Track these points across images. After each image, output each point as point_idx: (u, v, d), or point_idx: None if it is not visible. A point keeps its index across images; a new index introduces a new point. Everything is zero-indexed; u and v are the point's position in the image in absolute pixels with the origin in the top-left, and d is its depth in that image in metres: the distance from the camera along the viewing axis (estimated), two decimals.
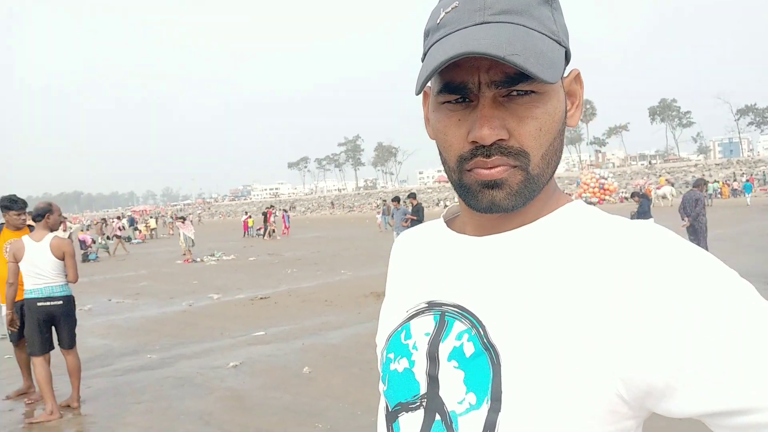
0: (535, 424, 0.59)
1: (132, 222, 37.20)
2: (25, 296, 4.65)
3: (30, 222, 5.27)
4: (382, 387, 0.76)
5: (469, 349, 0.64)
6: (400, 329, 0.74)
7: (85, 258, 20.07)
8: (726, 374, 0.53)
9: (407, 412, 0.69)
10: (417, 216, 12.25)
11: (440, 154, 0.69)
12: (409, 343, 0.71)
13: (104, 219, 34.40)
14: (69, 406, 4.83)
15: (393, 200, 14.25)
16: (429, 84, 0.68)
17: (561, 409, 0.58)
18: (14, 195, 5.19)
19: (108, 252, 22.73)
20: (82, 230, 26.84)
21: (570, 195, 0.82)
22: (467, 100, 0.63)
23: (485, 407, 0.62)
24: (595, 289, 0.59)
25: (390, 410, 0.72)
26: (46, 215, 4.71)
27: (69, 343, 4.83)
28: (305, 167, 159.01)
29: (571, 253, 0.64)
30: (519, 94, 0.61)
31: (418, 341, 0.70)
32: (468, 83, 0.61)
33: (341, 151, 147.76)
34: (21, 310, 4.76)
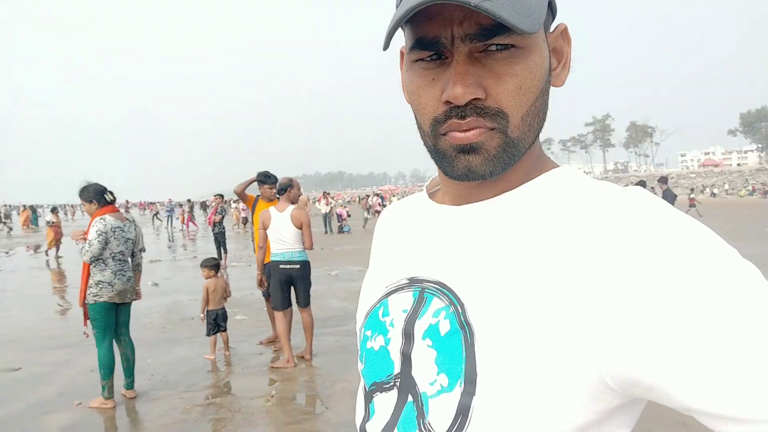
0: (512, 409, 0.55)
1: (382, 199, 40.39)
2: (271, 259, 5.43)
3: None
4: (360, 366, 0.73)
5: (444, 327, 0.61)
6: (378, 305, 0.71)
7: (340, 230, 22.34)
8: (721, 377, 0.47)
9: (381, 392, 0.67)
10: None
11: (415, 117, 0.64)
12: (386, 321, 0.68)
13: (367, 196, 37.95)
14: (303, 357, 5.51)
15: (637, 184, 12.96)
16: (404, 46, 0.65)
17: (540, 394, 0.54)
18: (267, 171, 6.06)
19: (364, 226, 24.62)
20: (342, 206, 29.95)
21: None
22: (442, 57, 0.58)
23: (458, 390, 0.58)
24: (577, 265, 0.54)
25: (367, 390, 0.70)
26: (288, 189, 5.39)
27: (304, 302, 5.48)
28: (548, 149, 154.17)
29: (554, 224, 0.58)
30: (497, 49, 0.56)
31: (396, 318, 0.67)
32: (441, 37, 0.57)
33: (588, 132, 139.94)
34: (268, 271, 5.55)
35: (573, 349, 0.52)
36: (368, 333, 0.71)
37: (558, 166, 0.66)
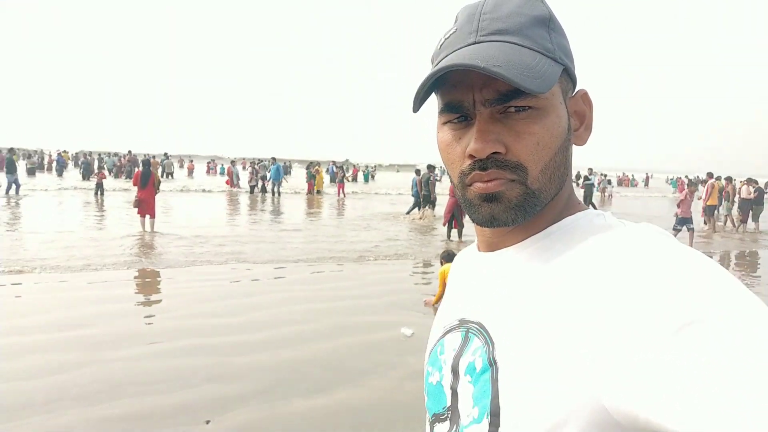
0: None
1: None
2: None
3: None
4: (425, 398, 0.80)
5: (479, 364, 0.66)
6: (437, 344, 0.78)
7: None
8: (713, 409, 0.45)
9: (439, 422, 0.74)
10: None
11: (447, 172, 0.72)
12: (442, 358, 0.75)
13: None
14: None
15: None
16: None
17: (556, 428, 0.57)
18: None
19: None
20: None
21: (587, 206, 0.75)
22: (468, 118, 0.66)
23: (485, 422, 0.64)
24: (583, 304, 0.57)
25: (429, 420, 0.78)
26: None
27: None
28: None
29: (567, 266, 0.63)
30: (516, 110, 0.64)
31: (448, 356, 0.74)
32: (464, 102, 0.65)
33: None
34: None
35: (581, 388, 0.55)
36: (429, 369, 0.78)
37: (585, 209, 0.72)
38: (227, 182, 27.32)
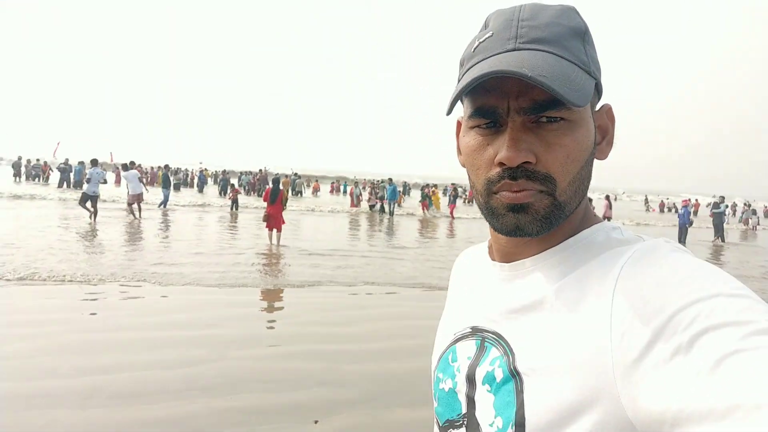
0: None
1: None
2: None
3: None
4: (434, 404, 0.80)
5: (499, 374, 0.67)
6: (447, 351, 0.79)
7: None
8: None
9: (454, 429, 0.74)
10: None
11: (469, 177, 0.71)
12: (454, 366, 0.76)
13: None
14: None
15: None
16: (461, 116, 0.73)
17: None
18: None
19: None
20: None
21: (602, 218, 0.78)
22: (497, 125, 0.65)
23: (510, 431, 0.64)
24: (602, 319, 0.58)
25: (440, 426, 0.78)
26: None
27: None
28: None
29: (586, 280, 0.63)
30: (548, 121, 0.63)
31: (462, 364, 0.74)
32: (498, 108, 0.64)
33: None
34: None
35: (605, 395, 0.56)
36: (440, 375, 0.79)
37: (601, 221, 0.72)
38: (352, 204, 27.94)
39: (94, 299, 7.13)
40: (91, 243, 11.62)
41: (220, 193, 31.07)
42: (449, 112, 0.67)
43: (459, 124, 0.75)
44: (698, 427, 0.46)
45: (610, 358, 0.56)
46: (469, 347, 0.75)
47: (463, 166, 0.72)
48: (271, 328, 6.40)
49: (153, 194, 23.57)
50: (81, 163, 22.45)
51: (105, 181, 16.07)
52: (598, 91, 0.70)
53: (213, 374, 4.78)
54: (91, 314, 6.46)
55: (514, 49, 0.64)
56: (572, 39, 0.66)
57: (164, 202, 20.99)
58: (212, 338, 5.77)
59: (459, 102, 0.69)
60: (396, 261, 11.60)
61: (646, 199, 59.33)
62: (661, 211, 47.90)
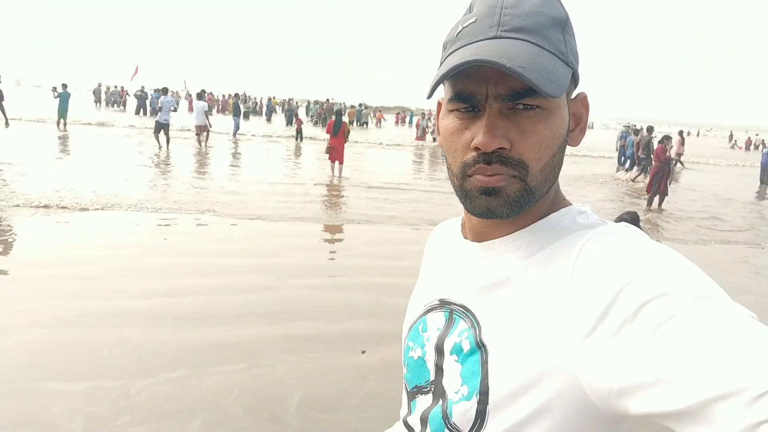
0: (519, 417, 0.64)
1: None
2: None
3: None
4: (404, 370, 0.85)
5: (465, 345, 0.71)
6: (418, 321, 0.83)
7: None
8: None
9: (421, 394, 0.79)
10: None
11: (445, 159, 0.74)
12: (424, 336, 0.80)
13: None
14: None
15: None
16: (442, 97, 0.75)
17: (542, 408, 0.63)
18: None
19: None
20: None
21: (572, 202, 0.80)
22: (475, 110, 0.67)
23: (474, 399, 0.69)
24: (561, 296, 0.63)
25: (409, 391, 0.83)
26: None
27: None
28: None
29: (550, 256, 0.67)
30: (524, 108, 0.66)
31: (431, 335, 0.79)
32: (477, 94, 0.66)
33: None
34: None
35: (562, 367, 0.60)
36: (410, 344, 0.83)
37: (569, 204, 0.75)
38: (417, 137, 27.14)
39: (166, 225, 7.54)
40: (163, 172, 12.17)
41: (287, 123, 31.46)
42: (430, 95, 0.70)
43: (439, 105, 0.76)
44: (640, 394, 0.52)
45: (566, 332, 0.60)
46: (438, 318, 0.78)
47: (441, 146, 0.75)
48: (331, 259, 6.59)
49: (224, 122, 24.15)
50: (157, 90, 23.23)
51: (175, 109, 16.52)
52: (574, 79, 0.72)
53: (270, 302, 5.02)
54: (163, 239, 6.86)
55: (495, 37, 0.66)
56: (552, 29, 0.67)
57: (235, 131, 21.51)
58: (273, 267, 6.01)
59: (444, 84, 0.72)
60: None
61: (731, 136, 55.51)
62: (747, 149, 44.83)
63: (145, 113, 28.89)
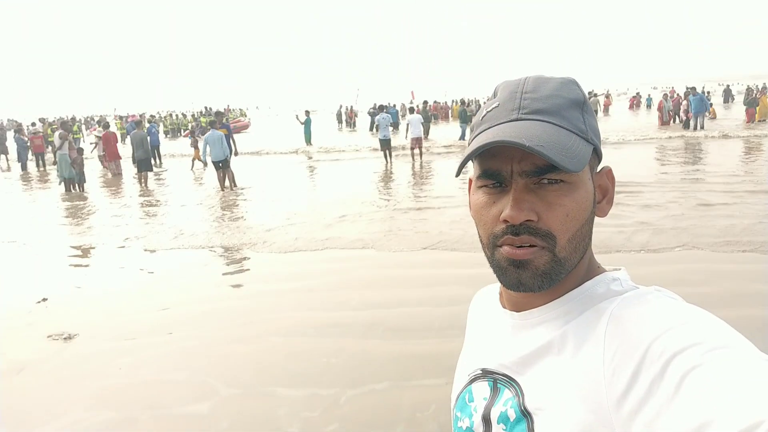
0: None
1: None
2: None
3: None
4: None
5: (512, 414, 0.73)
6: (464, 391, 0.84)
7: None
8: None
9: None
10: None
11: (477, 231, 0.77)
12: (471, 405, 0.81)
13: None
14: None
15: None
16: (473, 174, 0.78)
17: None
18: None
19: None
20: None
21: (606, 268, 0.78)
22: (503, 185, 0.71)
23: None
24: (595, 359, 0.65)
25: None
26: None
27: None
28: None
29: (586, 327, 0.69)
30: (549, 183, 0.69)
31: (478, 404, 0.80)
32: (502, 171, 0.70)
33: None
34: None
35: (599, 428, 0.62)
36: (458, 414, 0.85)
37: (604, 272, 0.77)
38: (660, 122, 23.91)
39: (391, 233, 8.07)
40: (385, 186, 13.01)
41: None
42: (458, 174, 0.76)
43: (470, 181, 0.80)
44: None
45: (605, 395, 0.62)
46: (483, 388, 0.81)
47: (474, 218, 0.79)
48: None
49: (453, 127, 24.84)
50: (381, 107, 24.99)
51: (393, 126, 17.27)
52: (598, 154, 0.76)
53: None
54: (391, 252, 7.35)
55: (516, 119, 0.71)
56: (571, 109, 0.72)
57: (462, 136, 22.02)
58: (479, 278, 6.01)
59: (473, 162, 0.76)
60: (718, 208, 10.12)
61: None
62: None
63: (377, 130, 31.10)
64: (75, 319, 5.49)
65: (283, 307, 5.56)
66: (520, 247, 0.70)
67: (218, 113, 15.31)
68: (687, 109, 21.62)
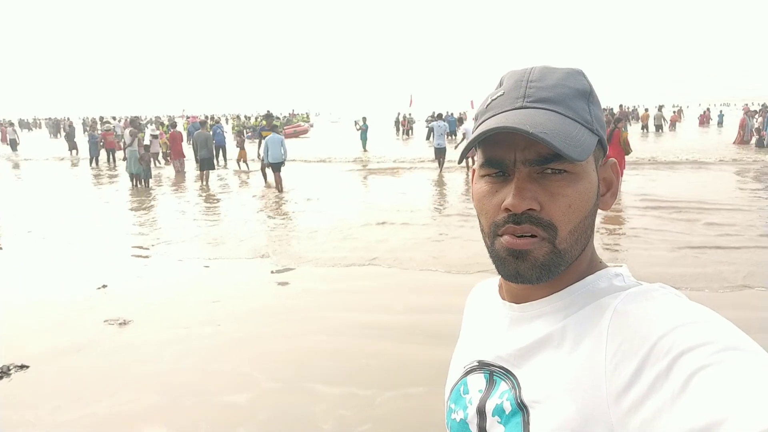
0: None
1: None
2: None
3: None
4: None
5: (507, 407, 0.72)
6: (459, 383, 0.84)
7: None
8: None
9: None
10: None
11: (478, 219, 0.77)
12: (466, 397, 0.81)
13: None
14: None
15: None
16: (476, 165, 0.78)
17: None
18: None
19: None
20: None
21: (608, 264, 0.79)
22: (505, 174, 0.71)
23: None
24: (600, 358, 0.63)
25: None
26: None
27: None
28: None
29: (588, 322, 0.68)
30: (553, 173, 0.69)
31: (473, 396, 0.79)
32: (505, 159, 0.70)
33: None
34: None
35: (596, 421, 0.61)
36: (452, 406, 0.84)
37: (606, 267, 0.76)
38: (738, 140, 21.94)
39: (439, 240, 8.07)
40: (440, 192, 13.00)
41: None
42: (460, 161, 0.78)
43: (473, 172, 0.80)
44: None
45: (604, 389, 0.61)
46: (479, 380, 0.80)
47: (475, 208, 0.78)
48: None
49: None
50: (439, 115, 24.89)
51: (449, 134, 16.97)
52: (602, 146, 0.75)
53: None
54: (436, 254, 7.35)
55: (521, 107, 0.70)
56: (577, 99, 0.72)
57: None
58: None
59: (476, 150, 0.76)
60: None
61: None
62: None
63: (434, 138, 31.04)
64: (131, 306, 5.76)
65: (327, 307, 5.65)
66: (521, 236, 0.69)
67: (268, 116, 15.60)
68: (761, 128, 20.53)
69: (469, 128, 16.76)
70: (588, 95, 0.73)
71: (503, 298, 0.82)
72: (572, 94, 0.71)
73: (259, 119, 34.52)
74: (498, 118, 0.70)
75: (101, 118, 19.39)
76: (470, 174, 0.83)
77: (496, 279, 0.89)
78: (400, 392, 3.94)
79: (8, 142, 28.61)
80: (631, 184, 12.61)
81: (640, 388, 0.57)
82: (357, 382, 4.09)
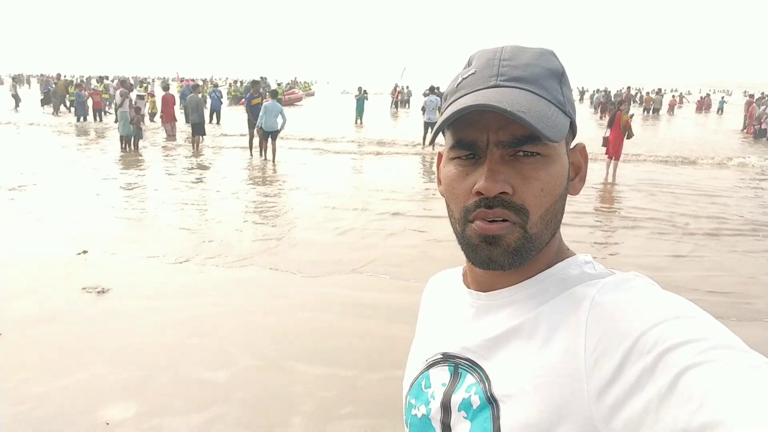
0: None
1: None
2: None
3: None
4: (405, 430, 0.83)
5: (475, 401, 0.69)
6: (420, 377, 0.80)
7: None
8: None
9: None
10: None
11: (447, 206, 0.74)
12: (428, 392, 0.77)
13: None
14: None
15: None
16: (442, 149, 0.76)
17: None
18: None
19: None
20: None
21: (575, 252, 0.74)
22: (476, 157, 0.68)
23: None
24: (572, 349, 0.62)
25: None
26: None
27: None
28: None
29: (559, 311, 0.66)
30: (525, 155, 0.67)
31: (436, 391, 0.76)
32: (478, 141, 0.67)
33: None
34: None
35: (577, 421, 0.59)
36: (413, 401, 0.79)
37: (574, 254, 0.75)
38: (749, 129, 21.58)
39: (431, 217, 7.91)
40: (426, 171, 12.81)
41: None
42: (431, 142, 0.83)
43: (440, 156, 0.78)
44: None
45: (584, 384, 0.59)
46: (442, 373, 0.76)
47: (443, 195, 0.75)
48: None
49: None
50: (432, 89, 24.41)
51: (440, 109, 16.82)
52: (572, 130, 0.73)
53: None
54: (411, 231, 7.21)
55: (495, 86, 0.68)
56: (550, 79, 0.70)
57: None
58: None
59: (445, 133, 0.73)
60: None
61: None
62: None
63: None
64: (111, 274, 5.59)
65: (312, 283, 5.51)
66: (493, 221, 0.67)
67: (254, 82, 15.28)
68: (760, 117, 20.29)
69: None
70: (560, 76, 0.72)
71: (468, 287, 0.79)
72: (545, 74, 0.70)
73: (244, 85, 33.86)
74: (471, 96, 0.67)
75: (123, 80, 18.90)
76: (436, 159, 0.79)
77: (457, 269, 0.86)
78: (384, 374, 3.82)
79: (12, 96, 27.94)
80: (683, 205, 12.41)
81: (623, 384, 0.56)
82: (339, 363, 3.97)
